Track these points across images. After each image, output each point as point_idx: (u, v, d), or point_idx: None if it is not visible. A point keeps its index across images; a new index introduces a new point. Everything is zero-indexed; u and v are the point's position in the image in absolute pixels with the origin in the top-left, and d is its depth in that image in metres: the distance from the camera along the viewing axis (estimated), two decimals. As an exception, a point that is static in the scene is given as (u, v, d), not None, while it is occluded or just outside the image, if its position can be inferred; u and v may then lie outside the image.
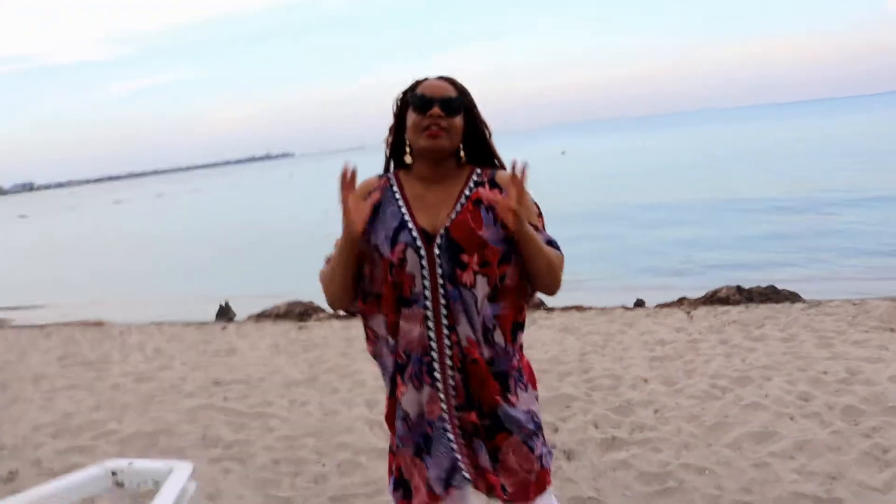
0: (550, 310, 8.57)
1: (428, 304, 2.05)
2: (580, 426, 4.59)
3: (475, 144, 2.17)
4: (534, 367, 2.30)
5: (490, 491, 2.15)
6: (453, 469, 2.11)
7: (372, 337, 2.21)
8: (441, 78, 2.13)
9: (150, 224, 39.80)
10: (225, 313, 10.58)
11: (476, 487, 2.16)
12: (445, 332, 2.06)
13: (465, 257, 2.03)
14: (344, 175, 1.99)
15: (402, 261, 2.04)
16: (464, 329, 2.06)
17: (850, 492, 3.46)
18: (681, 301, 8.59)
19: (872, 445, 3.92)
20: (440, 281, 2.04)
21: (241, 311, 10.70)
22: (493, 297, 2.09)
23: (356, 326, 8.40)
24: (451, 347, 2.07)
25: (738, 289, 8.36)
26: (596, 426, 4.59)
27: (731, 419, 4.49)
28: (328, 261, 2.16)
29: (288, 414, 5.30)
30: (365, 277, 2.14)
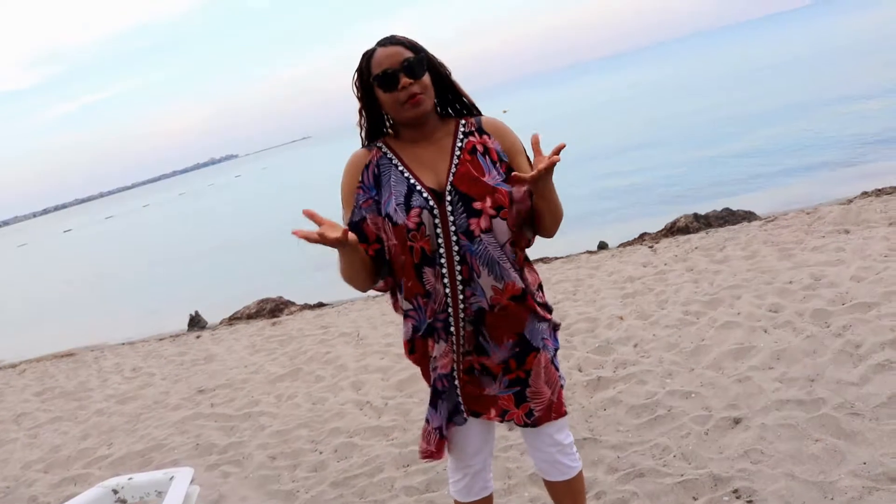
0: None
1: (443, 261, 2.08)
2: (565, 372, 4.65)
3: (442, 90, 2.19)
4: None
5: (503, 415, 2.23)
6: (455, 411, 2.23)
7: (399, 301, 2.25)
8: (389, 43, 2.09)
9: (103, 248, 39.09)
10: (196, 322, 10.49)
11: (487, 417, 2.25)
12: (459, 287, 2.10)
13: (477, 205, 2.05)
14: (311, 217, 1.94)
15: (420, 224, 2.05)
16: (485, 279, 2.10)
17: (830, 390, 3.57)
18: (642, 237, 8.72)
19: (845, 343, 4.04)
20: (453, 238, 2.07)
21: (211, 317, 10.64)
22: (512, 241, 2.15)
23: (329, 314, 8.40)
24: (463, 301, 2.11)
25: (696, 216, 8.51)
26: (580, 370, 4.67)
27: (708, 341, 4.59)
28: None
29: (277, 409, 5.30)
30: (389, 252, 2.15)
